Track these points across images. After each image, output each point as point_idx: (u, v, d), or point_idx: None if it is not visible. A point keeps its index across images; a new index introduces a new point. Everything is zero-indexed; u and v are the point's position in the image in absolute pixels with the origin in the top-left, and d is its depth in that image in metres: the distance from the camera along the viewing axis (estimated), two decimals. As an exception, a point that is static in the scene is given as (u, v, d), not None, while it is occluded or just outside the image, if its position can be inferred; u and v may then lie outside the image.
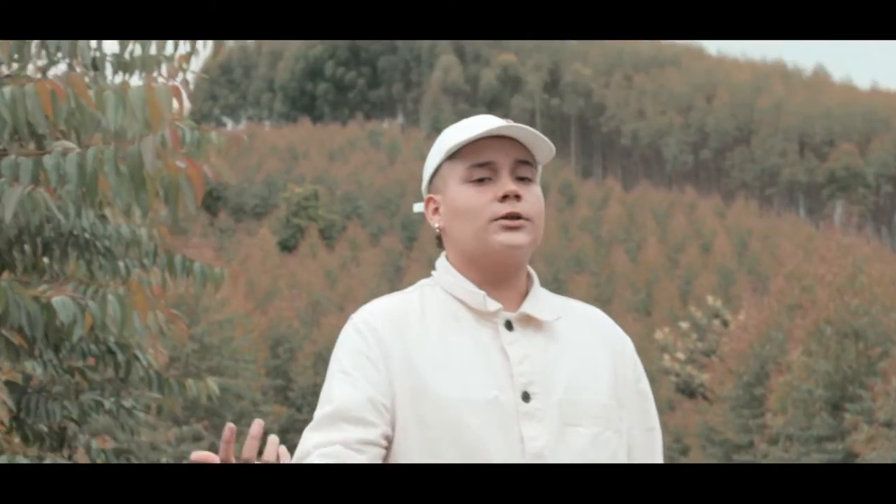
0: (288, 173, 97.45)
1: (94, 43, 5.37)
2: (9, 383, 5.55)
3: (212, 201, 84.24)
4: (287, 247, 76.21)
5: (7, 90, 3.88)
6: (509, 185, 2.37)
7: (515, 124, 2.38)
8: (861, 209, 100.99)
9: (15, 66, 5.08)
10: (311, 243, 73.86)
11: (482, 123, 2.42)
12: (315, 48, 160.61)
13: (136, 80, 5.33)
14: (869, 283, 22.84)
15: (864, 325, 22.11)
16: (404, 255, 74.70)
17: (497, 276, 2.41)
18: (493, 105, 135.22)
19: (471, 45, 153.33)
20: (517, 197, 2.37)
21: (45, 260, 5.49)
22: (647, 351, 44.43)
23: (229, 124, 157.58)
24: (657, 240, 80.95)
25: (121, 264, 5.59)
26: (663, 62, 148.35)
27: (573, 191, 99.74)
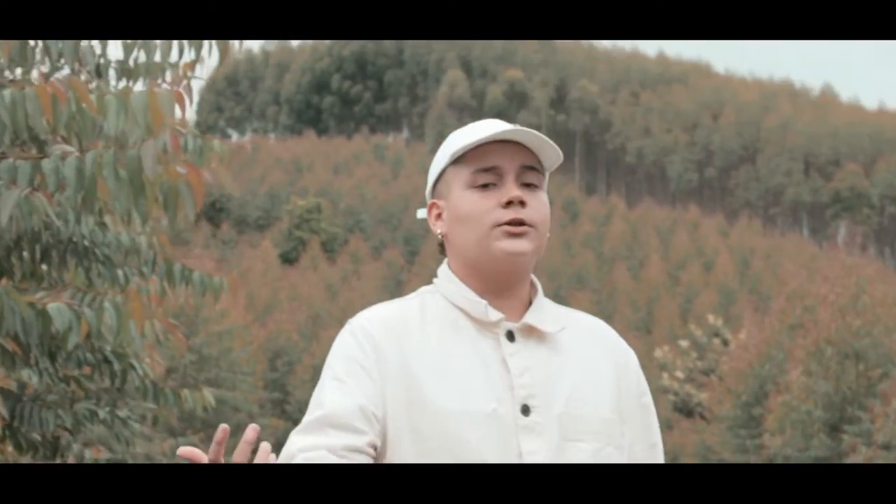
0: (291, 186, 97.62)
1: (98, 49, 5.35)
2: (2, 391, 5.51)
3: (215, 213, 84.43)
4: (288, 259, 76.28)
5: (7, 93, 3.83)
6: (514, 191, 2.31)
7: (521, 128, 2.31)
8: (865, 230, 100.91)
9: (19, 71, 5.05)
10: (312, 256, 73.95)
11: (488, 127, 2.35)
12: (322, 61, 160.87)
13: (139, 87, 5.30)
14: (871, 304, 22.79)
15: (866, 346, 22.05)
16: (406, 269, 74.69)
17: (499, 284, 2.35)
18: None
19: (478, 60, 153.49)
20: (521, 203, 2.31)
21: (44, 267, 5.45)
22: (647, 369, 44.34)
23: (234, 136, 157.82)
24: (659, 257, 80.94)
25: (120, 272, 5.55)
26: (670, 79, 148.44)
27: (577, 207, 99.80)
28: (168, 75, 5.29)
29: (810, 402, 22.41)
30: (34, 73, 5.08)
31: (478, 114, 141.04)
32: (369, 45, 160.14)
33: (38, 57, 5.08)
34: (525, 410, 2.25)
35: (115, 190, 3.74)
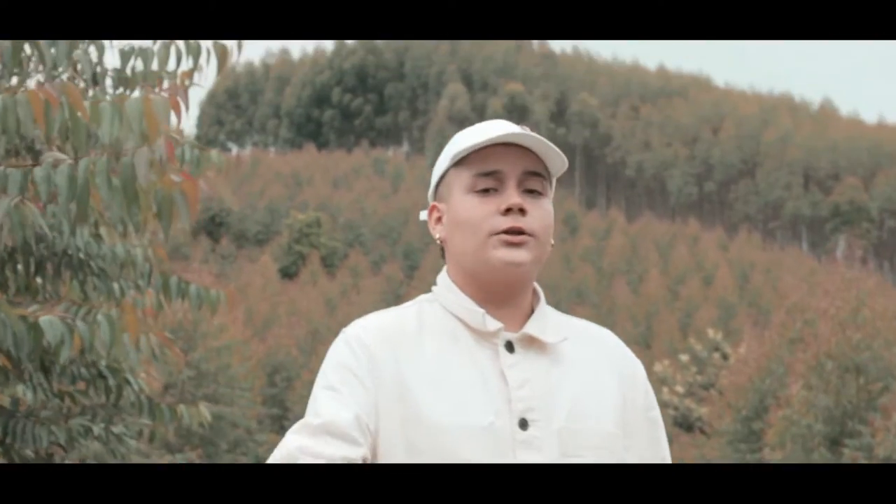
0: (291, 200, 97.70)
1: (94, 57, 5.27)
2: (-4, 406, 5.42)
3: (214, 227, 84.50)
4: (288, 274, 76.27)
5: (-1, 99, 3.74)
6: (513, 198, 2.21)
7: (526, 132, 2.21)
8: (864, 243, 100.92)
9: (14, 79, 4.97)
10: (312, 270, 73.91)
11: (493, 128, 2.25)
12: (322, 74, 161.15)
13: (136, 95, 5.22)
14: (871, 318, 22.73)
15: (866, 360, 21.99)
16: (405, 284, 74.63)
17: (498, 294, 2.25)
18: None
19: (478, 73, 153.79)
20: (521, 210, 2.21)
21: (38, 280, 5.36)
22: (648, 383, 44.30)
23: (234, 150, 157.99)
24: (659, 272, 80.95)
25: (115, 285, 5.45)
26: (670, 93, 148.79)
27: (576, 221, 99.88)
28: (166, 83, 5.21)
29: (811, 416, 22.33)
30: (31, 83, 5.01)
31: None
32: (370, 58, 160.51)
33: (32, 66, 5.01)
34: (523, 424, 2.16)
35: (107, 199, 3.64)
